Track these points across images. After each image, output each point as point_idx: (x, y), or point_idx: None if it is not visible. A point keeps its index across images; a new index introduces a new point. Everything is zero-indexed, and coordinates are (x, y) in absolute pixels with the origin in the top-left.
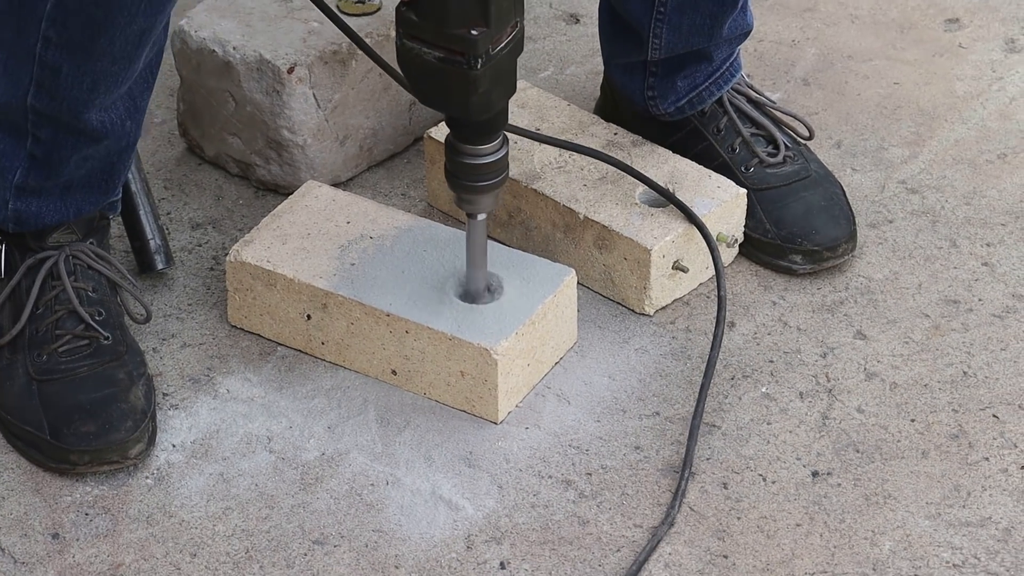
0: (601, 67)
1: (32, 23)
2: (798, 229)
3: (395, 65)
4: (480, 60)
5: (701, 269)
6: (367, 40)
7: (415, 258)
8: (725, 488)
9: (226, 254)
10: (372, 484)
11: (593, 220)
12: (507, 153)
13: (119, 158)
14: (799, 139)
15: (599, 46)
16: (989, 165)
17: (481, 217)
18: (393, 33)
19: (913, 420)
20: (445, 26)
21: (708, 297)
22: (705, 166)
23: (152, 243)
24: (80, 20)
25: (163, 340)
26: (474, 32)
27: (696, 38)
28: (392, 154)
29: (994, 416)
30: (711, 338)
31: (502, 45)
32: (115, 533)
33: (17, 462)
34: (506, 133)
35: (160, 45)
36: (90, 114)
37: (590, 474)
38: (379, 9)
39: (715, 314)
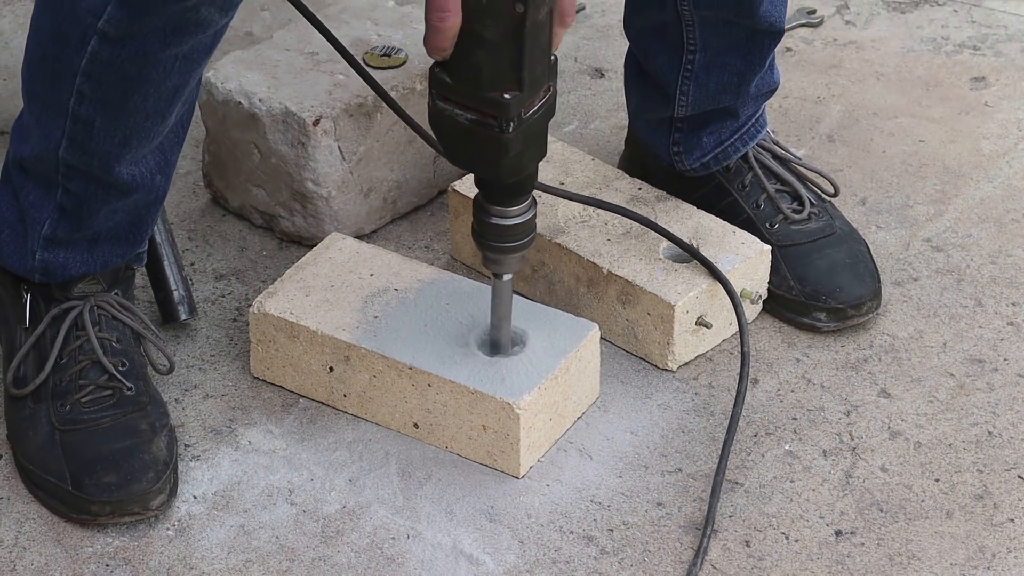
0: (625, 121)
1: (67, 77)
2: (822, 286)
3: (419, 119)
4: (512, 124)
5: (725, 325)
6: (392, 93)
7: (438, 311)
8: (747, 546)
9: (249, 305)
10: (393, 538)
11: (617, 275)
12: (535, 215)
13: (147, 211)
14: (824, 196)
15: (623, 100)
16: (1015, 224)
17: (507, 277)
18: (418, 86)
19: (937, 480)
20: (478, 89)
21: (731, 353)
22: (730, 222)
23: (176, 294)
24: (115, 76)
25: (185, 391)
26: (507, 96)
27: (723, 96)
28: (416, 207)
29: (1019, 477)
30: (734, 394)
31: (534, 109)
32: None
33: (39, 512)
34: (535, 195)
35: (192, 101)
36: (121, 168)
37: (612, 530)
38: (405, 63)
39: (738, 370)
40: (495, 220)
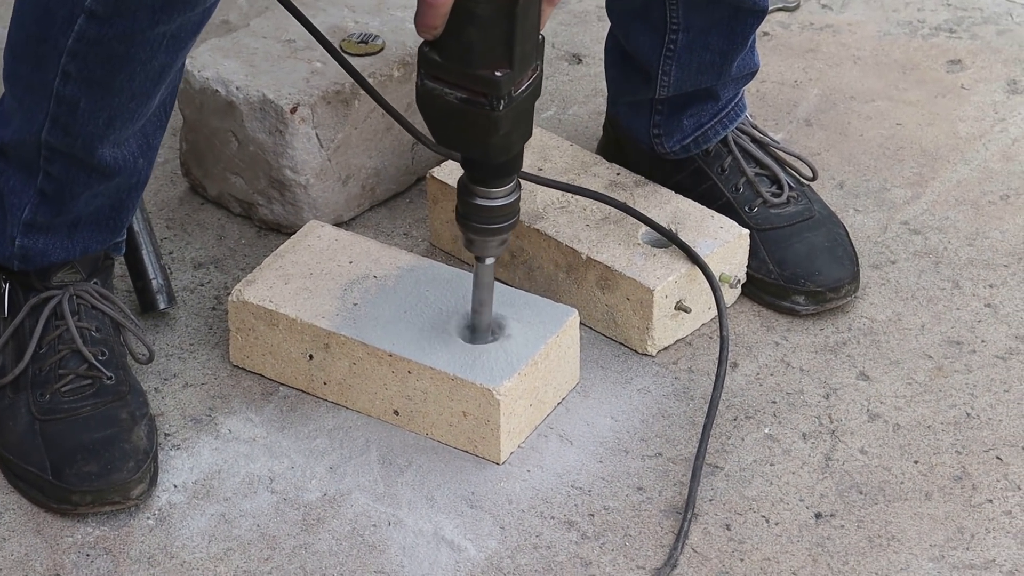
0: (603, 107)
1: (52, 58)
2: (801, 270)
3: (396, 106)
4: (503, 102)
5: (704, 309)
6: (370, 80)
7: (418, 298)
8: (728, 529)
9: (228, 294)
10: (374, 525)
11: (596, 260)
12: (519, 198)
13: (128, 196)
14: (802, 179)
15: (602, 86)
16: (992, 206)
17: (489, 261)
18: (396, 73)
19: (916, 462)
20: (469, 67)
21: (711, 338)
22: (708, 206)
23: (154, 283)
24: (101, 55)
25: (165, 380)
26: (498, 73)
27: (705, 76)
28: (395, 194)
29: (998, 458)
30: (714, 379)
31: (523, 88)
32: (116, 574)
33: (18, 503)
34: (519, 178)
35: (175, 84)
36: (104, 150)
37: (592, 515)
38: (382, 50)
39: (718, 355)
40: (480, 201)
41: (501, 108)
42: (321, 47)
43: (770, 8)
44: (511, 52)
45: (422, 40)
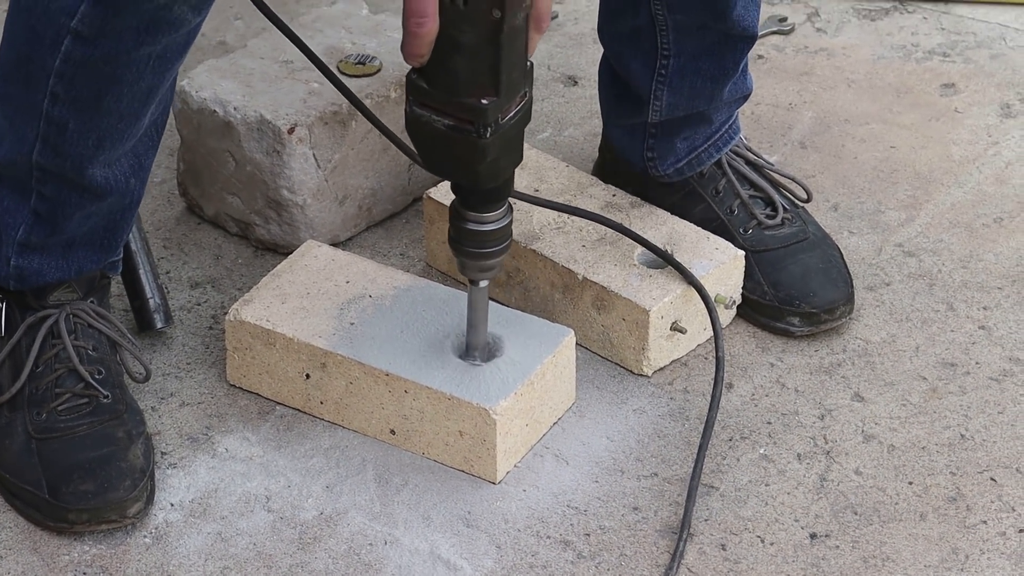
0: (599, 128)
1: (40, 79)
2: (796, 291)
3: (393, 127)
4: (490, 129)
5: (699, 330)
6: (367, 102)
7: (414, 318)
8: (723, 550)
9: (225, 313)
10: (370, 544)
11: (592, 281)
12: (511, 221)
13: (122, 216)
14: (797, 201)
15: (597, 108)
16: (985, 229)
17: (483, 283)
18: (393, 94)
19: (911, 483)
20: (455, 94)
21: (706, 358)
22: (703, 227)
23: (151, 302)
24: (88, 76)
25: (162, 399)
26: (484, 101)
27: (697, 101)
28: (391, 214)
29: (992, 479)
30: (709, 399)
31: (511, 115)
32: None
33: (15, 521)
34: (511, 202)
35: (166, 104)
36: (94, 170)
37: (588, 535)
38: (379, 70)
39: (713, 375)
40: (472, 226)
41: (488, 135)
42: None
43: (765, 31)
44: (497, 80)
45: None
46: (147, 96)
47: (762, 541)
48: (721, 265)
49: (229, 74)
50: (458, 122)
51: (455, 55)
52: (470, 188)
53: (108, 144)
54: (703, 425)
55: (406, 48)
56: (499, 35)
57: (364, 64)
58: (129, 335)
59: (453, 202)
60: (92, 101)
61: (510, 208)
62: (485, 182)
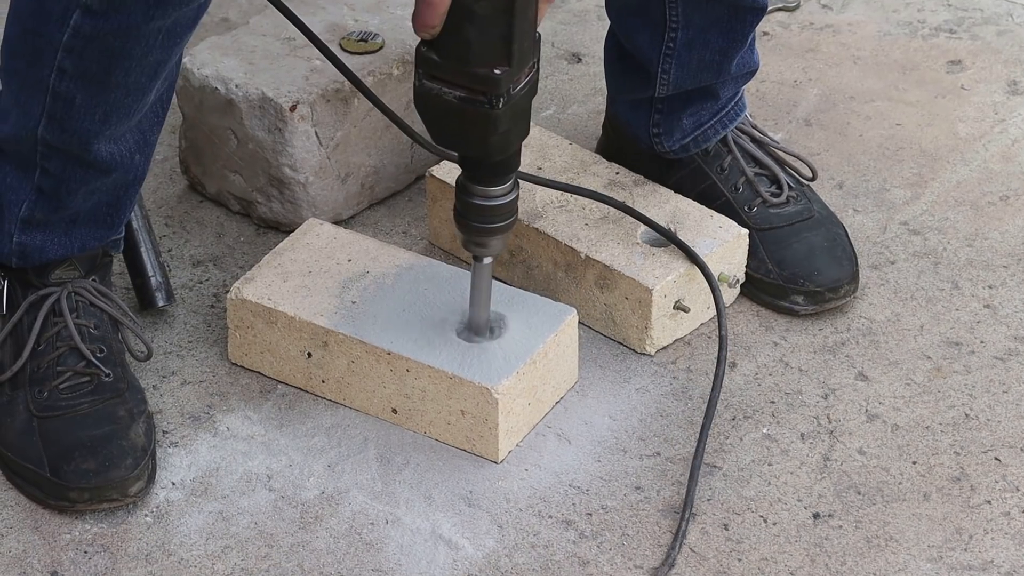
0: (603, 106)
1: (48, 53)
2: (800, 270)
3: (396, 105)
4: (502, 99)
5: (702, 309)
6: (369, 79)
7: (416, 296)
8: (726, 529)
9: (227, 291)
10: (372, 523)
11: (595, 259)
12: (517, 196)
13: (125, 192)
14: (802, 179)
15: (601, 85)
16: (991, 207)
17: (487, 260)
18: (395, 72)
19: (915, 462)
20: (468, 65)
21: (709, 337)
22: (707, 205)
23: (153, 280)
24: (97, 50)
25: (163, 377)
26: (497, 71)
27: (704, 74)
28: (394, 192)
29: (996, 459)
30: (712, 378)
31: (521, 85)
32: (114, 571)
33: (16, 499)
34: (518, 177)
35: (172, 80)
36: (100, 146)
37: (590, 514)
38: (381, 48)
39: (716, 354)
40: (478, 201)
41: (500, 106)
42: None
43: (770, 8)
44: (509, 49)
45: (420, 40)
46: (155, 71)
47: (765, 521)
48: (725, 244)
49: (231, 51)
50: (470, 93)
51: (468, 25)
52: (479, 161)
53: (114, 119)
54: (706, 404)
55: (419, 19)
56: (512, 4)
57: (366, 41)
58: (131, 313)
59: (459, 177)
60: (100, 76)
61: (516, 183)
62: (495, 154)
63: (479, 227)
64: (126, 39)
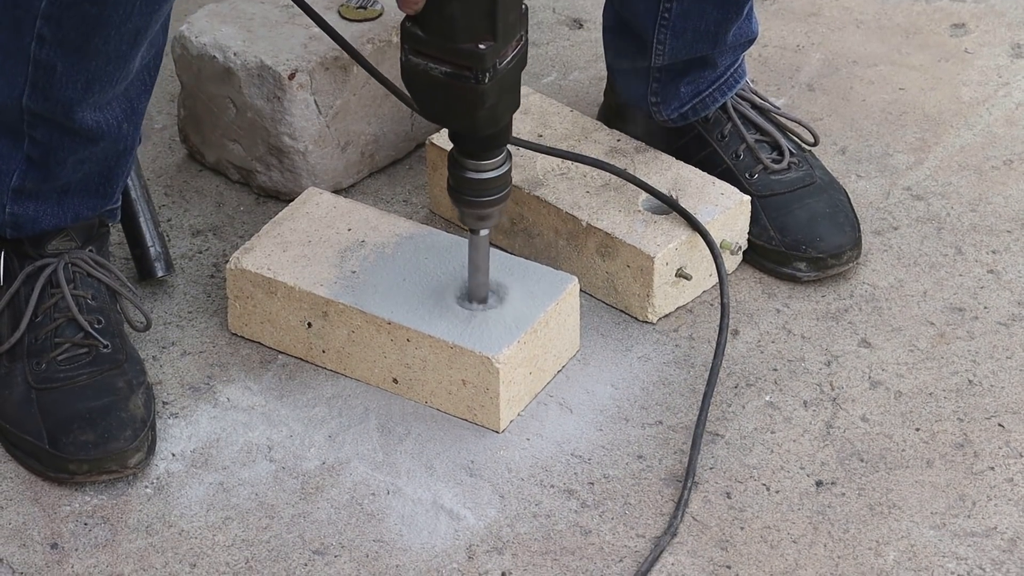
0: (604, 72)
1: (27, 21)
2: (802, 236)
3: (395, 73)
4: (488, 74)
5: (704, 276)
6: (368, 47)
7: (417, 265)
8: (728, 498)
9: (226, 261)
10: (373, 493)
11: (596, 227)
12: (511, 168)
13: (116, 162)
14: (804, 145)
15: (603, 51)
16: (995, 172)
17: (484, 232)
18: (395, 39)
19: (918, 429)
20: (452, 41)
21: (711, 305)
22: (709, 172)
23: (152, 250)
24: (75, 17)
25: (163, 348)
26: (482, 46)
27: (700, 44)
28: (394, 160)
29: (1000, 425)
30: (714, 346)
31: (508, 59)
32: (114, 543)
33: (16, 471)
34: (510, 149)
35: (158, 48)
36: (84, 114)
37: (592, 483)
38: (381, 15)
39: (718, 322)
40: (470, 175)
41: (486, 81)
42: (318, 15)
43: None
44: (494, 24)
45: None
46: (135, 37)
47: (767, 489)
48: (727, 210)
49: (229, 19)
50: (456, 69)
51: (451, 0)
52: (468, 135)
53: (97, 87)
54: (708, 372)
55: None
56: None
57: (365, 8)
58: (129, 284)
59: (451, 151)
60: (79, 43)
61: (509, 155)
62: (484, 128)
63: (472, 200)
64: (103, 6)
